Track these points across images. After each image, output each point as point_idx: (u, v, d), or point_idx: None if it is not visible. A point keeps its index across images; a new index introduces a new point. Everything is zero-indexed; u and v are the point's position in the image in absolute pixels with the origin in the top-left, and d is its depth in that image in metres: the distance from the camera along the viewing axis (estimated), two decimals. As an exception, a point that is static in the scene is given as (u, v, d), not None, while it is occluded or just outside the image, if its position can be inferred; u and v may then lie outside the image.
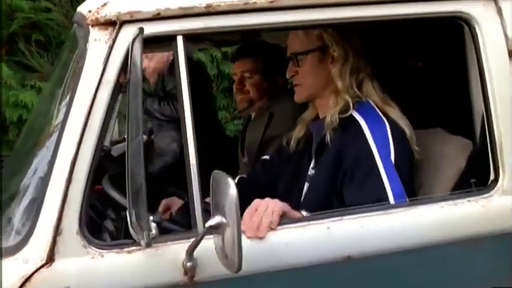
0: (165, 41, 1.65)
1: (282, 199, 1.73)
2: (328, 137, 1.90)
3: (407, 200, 1.76)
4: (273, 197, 1.72)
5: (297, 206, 1.82)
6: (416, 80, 2.35)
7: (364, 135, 1.84)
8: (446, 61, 2.18)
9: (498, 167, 1.81)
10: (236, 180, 2.23)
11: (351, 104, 1.91)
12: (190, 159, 1.58)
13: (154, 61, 3.75)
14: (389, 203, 1.74)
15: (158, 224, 1.61)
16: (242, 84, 2.90)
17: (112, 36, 1.61)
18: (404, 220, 1.73)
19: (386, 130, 1.85)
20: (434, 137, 2.12)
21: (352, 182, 1.80)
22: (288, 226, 1.67)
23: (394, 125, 1.88)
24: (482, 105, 1.83)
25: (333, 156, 1.87)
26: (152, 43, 1.64)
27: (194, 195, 1.58)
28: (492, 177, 1.83)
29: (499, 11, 1.82)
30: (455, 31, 1.88)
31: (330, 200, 1.84)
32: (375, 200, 1.74)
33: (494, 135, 1.81)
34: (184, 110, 1.59)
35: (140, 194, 1.46)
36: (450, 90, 2.15)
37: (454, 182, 1.93)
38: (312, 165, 2.00)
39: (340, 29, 1.95)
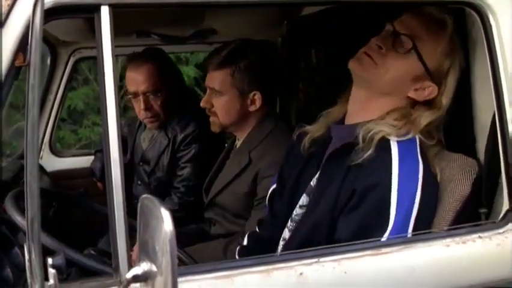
0: (86, 12, 1.21)
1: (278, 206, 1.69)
2: (353, 154, 1.48)
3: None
4: None
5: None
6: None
7: (390, 168, 1.43)
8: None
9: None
10: (245, 240, 1.88)
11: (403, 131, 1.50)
12: (112, 165, 1.14)
13: None
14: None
15: (73, 263, 1.24)
16: (209, 103, 2.17)
17: (7, 1, 1.16)
18: (400, 263, 1.32)
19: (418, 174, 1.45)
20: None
21: (350, 213, 1.41)
22: (248, 271, 1.22)
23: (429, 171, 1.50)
24: (491, 114, 1.50)
25: (342, 176, 1.48)
26: (69, 14, 1.23)
27: (116, 221, 1.14)
28: (507, 206, 1.45)
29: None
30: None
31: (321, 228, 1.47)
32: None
33: (509, 151, 1.44)
34: (106, 100, 1.14)
35: (34, 225, 1.00)
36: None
37: (455, 212, 1.53)
38: (317, 175, 1.62)
39: None
